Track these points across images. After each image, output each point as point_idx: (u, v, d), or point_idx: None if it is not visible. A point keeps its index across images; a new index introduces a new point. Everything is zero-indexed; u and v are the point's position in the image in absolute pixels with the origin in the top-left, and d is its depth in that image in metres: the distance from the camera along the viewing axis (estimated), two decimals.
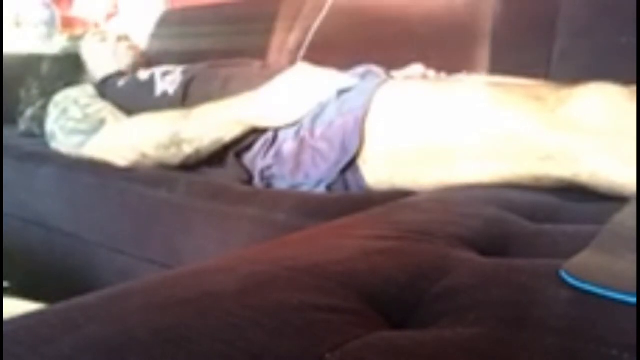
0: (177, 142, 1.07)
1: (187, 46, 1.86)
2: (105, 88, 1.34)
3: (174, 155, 1.08)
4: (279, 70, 1.14)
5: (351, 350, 0.29)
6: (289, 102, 1.00)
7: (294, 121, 0.99)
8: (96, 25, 2.59)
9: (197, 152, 1.07)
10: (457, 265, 0.42)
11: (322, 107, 0.97)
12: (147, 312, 0.32)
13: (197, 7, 2.08)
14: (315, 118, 0.97)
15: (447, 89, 0.90)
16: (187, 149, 1.07)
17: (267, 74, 1.15)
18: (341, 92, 0.97)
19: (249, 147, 1.05)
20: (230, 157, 1.06)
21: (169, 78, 1.26)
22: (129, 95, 1.30)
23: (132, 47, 1.59)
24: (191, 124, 1.06)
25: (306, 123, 0.98)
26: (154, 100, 1.23)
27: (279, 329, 0.30)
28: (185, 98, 1.20)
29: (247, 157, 1.06)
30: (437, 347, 0.29)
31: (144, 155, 1.09)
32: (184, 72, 1.25)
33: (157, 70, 1.31)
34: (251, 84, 1.10)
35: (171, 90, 1.23)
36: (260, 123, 1.02)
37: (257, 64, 1.30)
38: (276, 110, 1.01)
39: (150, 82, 1.28)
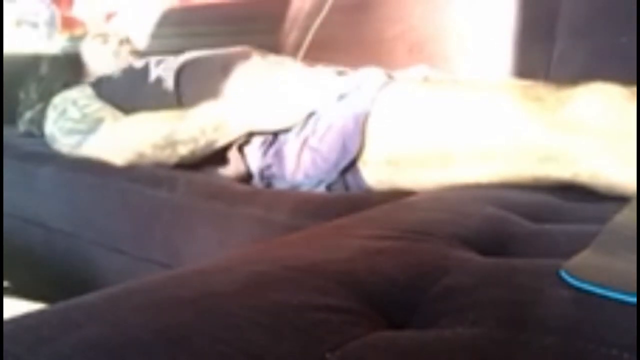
0: (172, 143, 1.06)
1: (187, 46, 1.86)
2: (101, 83, 1.34)
3: (169, 156, 1.08)
4: (274, 62, 1.13)
5: (351, 350, 0.29)
6: (286, 106, 1.00)
7: (290, 125, 0.99)
8: (96, 26, 2.58)
9: (192, 153, 1.07)
10: (457, 265, 0.42)
11: (323, 109, 0.97)
12: (147, 312, 0.32)
13: (197, 7, 2.08)
14: (315, 119, 0.97)
15: (447, 90, 0.90)
16: (182, 151, 1.07)
17: (265, 65, 1.15)
18: (342, 95, 0.97)
19: (247, 142, 1.05)
20: (230, 152, 1.06)
21: (163, 65, 1.27)
22: (123, 83, 1.30)
23: (134, 52, 1.58)
24: (186, 126, 1.06)
25: (306, 124, 0.98)
26: (148, 86, 1.23)
27: (279, 329, 0.30)
28: (178, 83, 1.20)
29: (246, 155, 1.05)
30: (437, 347, 0.29)
31: (140, 155, 1.09)
32: (179, 59, 1.26)
33: (152, 59, 1.32)
34: (248, 72, 1.10)
35: (164, 75, 1.23)
36: (256, 127, 1.02)
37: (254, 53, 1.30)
38: (273, 114, 1.00)
39: (145, 69, 1.28)
